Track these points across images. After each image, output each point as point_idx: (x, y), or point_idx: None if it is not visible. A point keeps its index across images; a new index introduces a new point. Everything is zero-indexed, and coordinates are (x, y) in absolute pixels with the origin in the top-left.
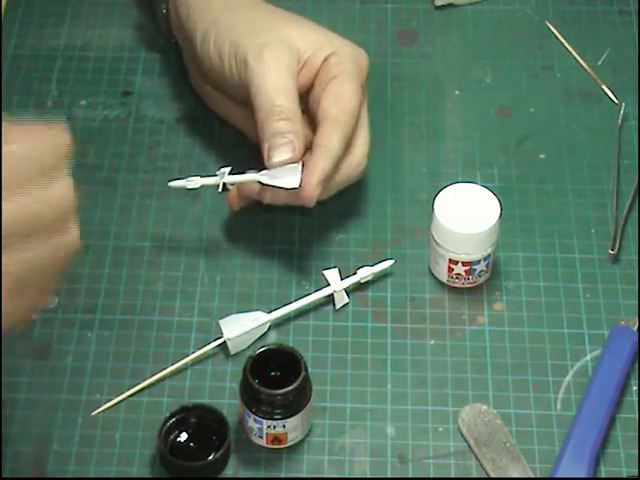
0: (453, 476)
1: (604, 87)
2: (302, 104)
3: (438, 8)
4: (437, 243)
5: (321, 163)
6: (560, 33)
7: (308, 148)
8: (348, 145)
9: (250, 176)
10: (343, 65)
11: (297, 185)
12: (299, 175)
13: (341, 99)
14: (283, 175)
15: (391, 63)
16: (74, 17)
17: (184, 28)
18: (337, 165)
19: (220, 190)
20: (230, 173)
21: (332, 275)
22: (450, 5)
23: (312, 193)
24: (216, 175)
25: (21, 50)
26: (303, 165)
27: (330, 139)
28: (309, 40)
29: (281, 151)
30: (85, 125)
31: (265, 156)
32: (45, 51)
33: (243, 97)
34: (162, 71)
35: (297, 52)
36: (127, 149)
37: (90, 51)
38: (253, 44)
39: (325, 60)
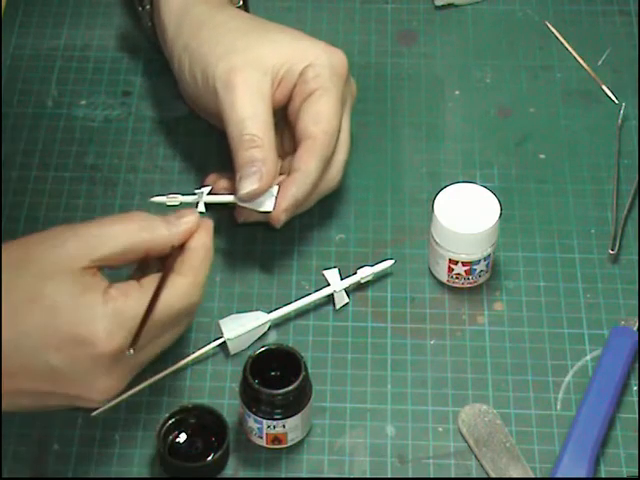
0: (453, 476)
1: (604, 87)
2: (281, 116)
3: (438, 8)
4: (437, 243)
5: (293, 189)
6: (560, 33)
7: (287, 153)
8: (327, 164)
9: (227, 197)
10: (320, 77)
11: (271, 209)
12: (273, 199)
13: (320, 118)
14: (258, 197)
15: (391, 63)
16: (74, 17)
17: (164, 48)
18: (315, 186)
19: (199, 210)
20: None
21: (332, 275)
22: (450, 5)
23: (279, 217)
24: (195, 194)
25: (21, 50)
26: (280, 187)
27: (308, 164)
28: (283, 55)
29: (247, 182)
30: (85, 125)
31: (236, 187)
32: (45, 51)
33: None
34: (162, 71)
35: (270, 70)
36: (127, 149)
37: (90, 51)
38: (222, 71)
39: (301, 74)
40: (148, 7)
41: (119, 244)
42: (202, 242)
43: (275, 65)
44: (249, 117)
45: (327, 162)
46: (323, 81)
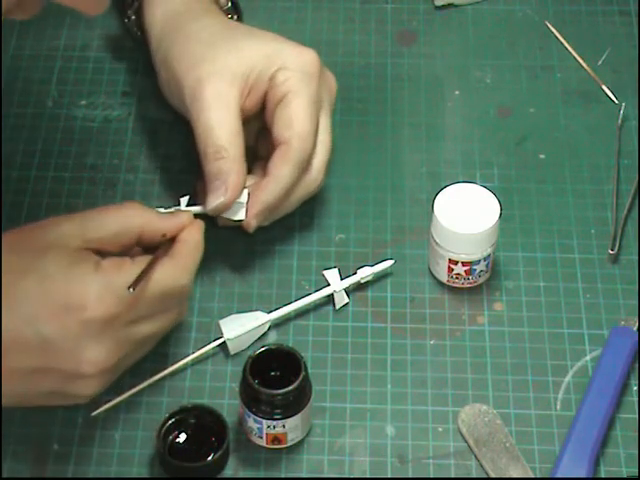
0: (453, 476)
1: (604, 87)
2: (259, 122)
3: (438, 8)
4: (437, 243)
5: (264, 195)
6: (560, 33)
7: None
8: (304, 167)
9: (201, 208)
10: (290, 80)
11: (243, 217)
12: (244, 209)
13: (292, 123)
14: (231, 206)
15: (391, 63)
16: (74, 17)
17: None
18: (289, 191)
19: None
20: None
21: (332, 275)
22: (450, 5)
23: (249, 223)
24: (177, 205)
25: (21, 50)
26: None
27: (280, 169)
28: (251, 62)
29: (214, 196)
30: (85, 125)
31: (205, 200)
32: (45, 51)
33: None
34: None
35: (238, 80)
36: (127, 149)
37: (90, 51)
38: (189, 83)
39: (271, 78)
40: (133, 17)
41: (112, 227)
42: (192, 236)
43: (244, 73)
44: (215, 128)
45: (303, 166)
46: (292, 84)
